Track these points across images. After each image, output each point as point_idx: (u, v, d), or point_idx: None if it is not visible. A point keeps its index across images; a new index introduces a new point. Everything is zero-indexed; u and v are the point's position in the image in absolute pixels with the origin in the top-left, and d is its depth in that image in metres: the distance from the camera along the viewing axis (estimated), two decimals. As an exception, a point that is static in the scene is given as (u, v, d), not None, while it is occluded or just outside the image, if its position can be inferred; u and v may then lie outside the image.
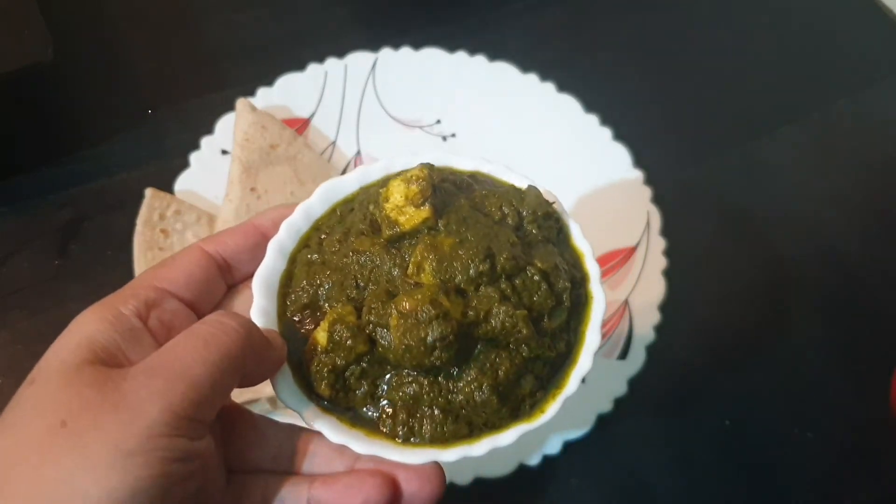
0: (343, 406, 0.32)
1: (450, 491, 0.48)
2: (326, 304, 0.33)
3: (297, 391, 0.32)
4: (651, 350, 0.54)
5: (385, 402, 0.32)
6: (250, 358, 0.28)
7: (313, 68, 0.65)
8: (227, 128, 0.61)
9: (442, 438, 0.32)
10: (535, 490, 0.51)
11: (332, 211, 0.36)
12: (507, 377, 0.31)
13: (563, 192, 0.61)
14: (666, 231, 0.59)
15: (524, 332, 0.31)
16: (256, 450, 0.32)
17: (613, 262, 0.58)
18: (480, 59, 0.66)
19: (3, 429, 0.25)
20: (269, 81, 0.64)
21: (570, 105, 0.64)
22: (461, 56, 0.67)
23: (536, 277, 0.33)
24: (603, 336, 0.54)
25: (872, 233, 0.65)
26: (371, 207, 0.34)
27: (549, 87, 0.65)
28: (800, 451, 0.54)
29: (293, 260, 0.35)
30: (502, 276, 0.32)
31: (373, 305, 0.31)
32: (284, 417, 0.35)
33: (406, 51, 0.67)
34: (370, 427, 0.32)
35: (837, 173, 0.68)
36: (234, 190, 0.56)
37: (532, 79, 0.66)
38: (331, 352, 0.31)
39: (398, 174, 0.34)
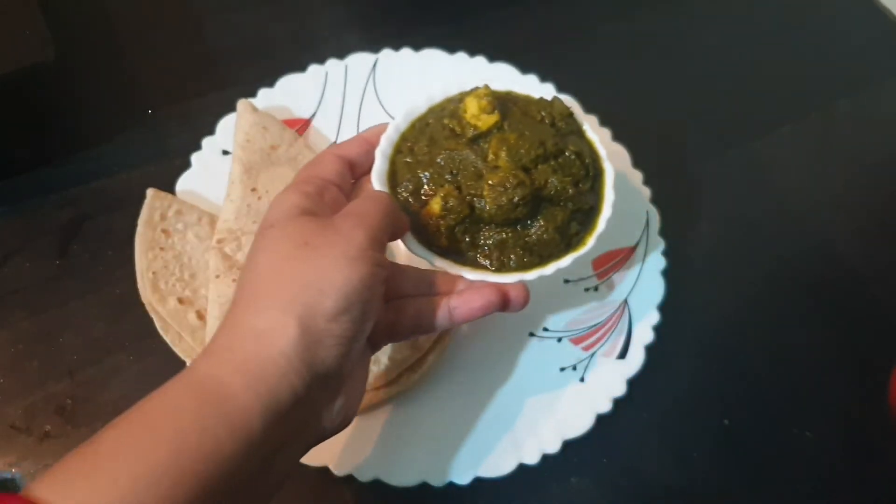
0: (454, 251, 0.46)
1: (450, 491, 0.49)
2: (428, 188, 0.46)
3: (420, 245, 0.45)
4: (650, 350, 0.55)
5: (483, 247, 0.46)
6: (394, 218, 0.41)
7: (314, 69, 0.65)
8: (228, 128, 0.61)
9: (523, 266, 0.46)
10: (534, 489, 0.51)
11: (412, 126, 0.50)
12: (562, 223, 0.46)
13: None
14: (665, 231, 0.60)
15: (570, 192, 0.46)
16: (401, 281, 0.44)
17: (613, 262, 0.58)
18: (480, 60, 0.67)
19: (261, 250, 0.38)
20: (270, 82, 0.64)
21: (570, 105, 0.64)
22: (461, 57, 0.67)
23: (572, 157, 0.47)
24: (602, 336, 0.55)
25: (872, 232, 0.65)
26: (446, 121, 0.48)
27: (549, 88, 0.65)
28: (799, 450, 0.54)
29: (392, 161, 0.48)
30: (551, 157, 0.46)
31: (468, 183, 0.45)
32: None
33: (406, 52, 0.67)
34: (474, 264, 0.46)
35: (837, 173, 0.68)
36: (234, 190, 0.57)
37: (532, 79, 0.66)
38: (445, 216, 0.45)
39: (466, 93, 0.49)
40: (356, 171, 0.47)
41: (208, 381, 0.33)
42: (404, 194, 0.47)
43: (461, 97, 0.49)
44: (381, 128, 0.48)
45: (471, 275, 0.45)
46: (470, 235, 0.46)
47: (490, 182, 0.44)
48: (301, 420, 0.35)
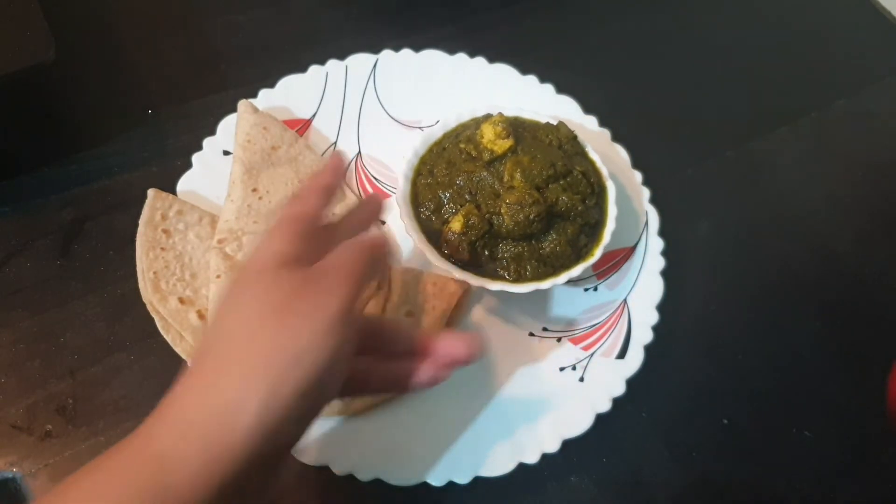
0: (474, 264, 0.51)
1: (450, 490, 0.49)
2: (448, 207, 0.51)
3: (443, 259, 0.50)
4: (649, 350, 0.55)
5: (501, 260, 0.51)
6: (375, 261, 0.40)
7: (314, 70, 0.65)
8: (228, 129, 0.61)
9: (538, 276, 0.51)
10: (534, 488, 0.51)
11: (430, 150, 0.55)
12: (573, 236, 0.51)
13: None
14: (664, 231, 0.60)
15: (579, 208, 0.51)
16: (378, 336, 0.43)
17: (612, 262, 0.58)
18: (480, 61, 0.67)
19: (238, 306, 0.37)
20: (270, 83, 0.64)
21: (569, 106, 0.65)
22: (461, 58, 0.67)
23: (579, 176, 0.52)
24: (601, 336, 0.55)
25: (870, 232, 0.65)
26: (462, 145, 0.53)
27: (549, 89, 0.66)
28: (798, 449, 0.54)
29: (414, 183, 0.54)
30: (560, 177, 0.52)
31: (488, 202, 0.50)
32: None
33: (406, 52, 0.67)
34: (493, 275, 0.51)
35: (835, 174, 0.69)
36: (235, 190, 0.57)
37: (531, 80, 0.66)
38: (467, 232, 0.49)
39: (479, 119, 0.55)
40: (331, 193, 0.45)
41: (166, 461, 0.32)
42: (426, 213, 0.52)
43: (475, 123, 0.55)
44: (338, 156, 0.46)
45: (491, 285, 0.50)
46: (489, 249, 0.50)
47: (507, 201, 0.49)
48: (249, 491, 0.35)
